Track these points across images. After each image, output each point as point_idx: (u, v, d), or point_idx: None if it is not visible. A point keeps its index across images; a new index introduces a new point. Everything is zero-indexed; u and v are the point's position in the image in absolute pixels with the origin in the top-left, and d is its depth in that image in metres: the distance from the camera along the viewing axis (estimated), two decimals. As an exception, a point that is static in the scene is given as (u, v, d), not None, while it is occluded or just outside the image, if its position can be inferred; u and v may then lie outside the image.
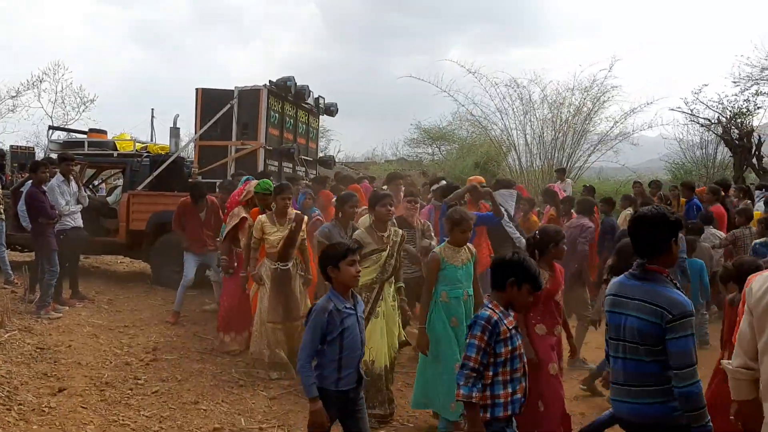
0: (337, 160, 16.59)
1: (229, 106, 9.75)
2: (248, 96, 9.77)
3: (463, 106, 20.45)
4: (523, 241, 6.96)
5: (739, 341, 2.45)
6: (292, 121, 10.71)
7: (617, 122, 19.33)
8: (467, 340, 3.15)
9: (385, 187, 9.21)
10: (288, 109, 10.50)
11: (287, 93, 10.12)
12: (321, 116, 12.16)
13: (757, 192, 11.38)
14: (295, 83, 10.10)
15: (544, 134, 19.79)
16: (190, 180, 9.54)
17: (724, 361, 2.55)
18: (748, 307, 2.39)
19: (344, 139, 51.23)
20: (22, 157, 13.19)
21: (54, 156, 9.57)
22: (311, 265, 6.28)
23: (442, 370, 4.81)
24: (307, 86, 10.53)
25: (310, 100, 10.97)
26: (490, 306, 3.19)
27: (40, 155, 13.16)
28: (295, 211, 6.40)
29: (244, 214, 6.77)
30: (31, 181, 8.22)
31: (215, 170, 9.80)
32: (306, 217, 6.47)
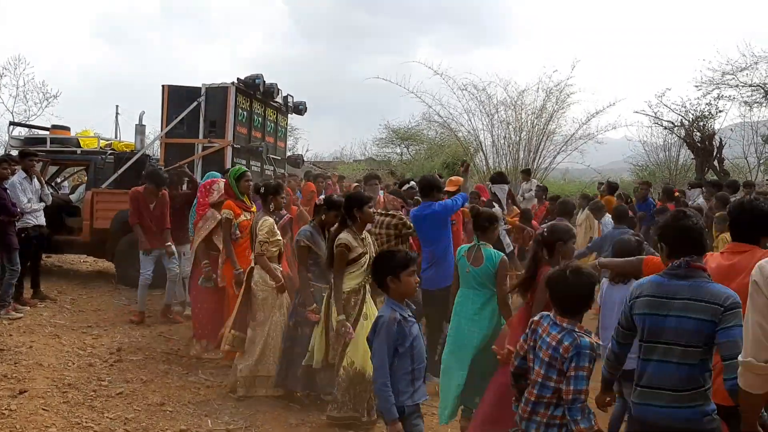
0: (305, 159, 16.51)
1: (196, 103, 9.65)
2: (216, 93, 9.67)
3: (430, 107, 20.53)
4: (512, 247, 7.02)
5: (764, 335, 2.43)
6: (260, 119, 10.63)
7: (582, 124, 19.56)
8: (574, 373, 2.92)
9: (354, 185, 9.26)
10: (256, 107, 10.41)
11: (255, 91, 10.04)
12: (289, 115, 12.08)
13: (694, 191, 11.65)
14: (264, 81, 10.01)
15: (509, 135, 19.95)
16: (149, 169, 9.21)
17: (747, 359, 2.51)
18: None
19: (312, 138, 51.00)
20: (-18, 154, 12.89)
21: (15, 152, 9.36)
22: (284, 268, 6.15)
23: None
24: (276, 84, 10.45)
25: (278, 99, 10.90)
26: (578, 331, 3.03)
27: (0, 152, 12.87)
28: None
29: (219, 216, 6.56)
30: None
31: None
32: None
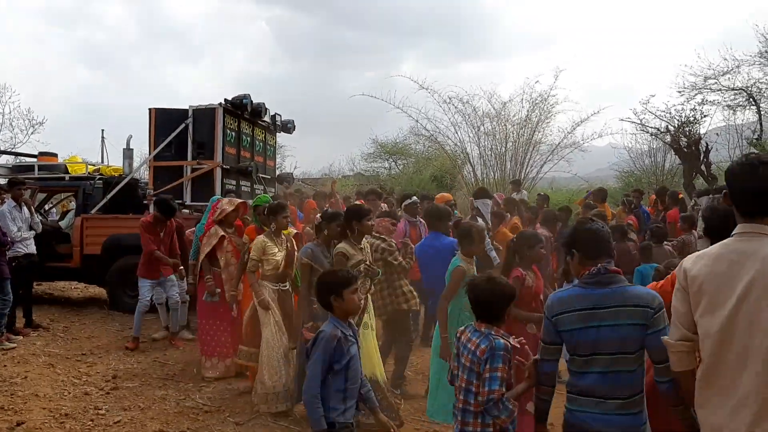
0: (295, 177, 16.50)
1: (183, 125, 9.62)
2: (203, 115, 9.65)
3: (417, 121, 20.59)
4: (498, 260, 7.04)
5: (675, 317, 2.52)
6: (248, 139, 10.61)
7: (568, 133, 19.65)
8: (488, 375, 3.04)
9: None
10: (244, 127, 10.39)
11: (243, 111, 10.02)
12: (278, 133, 12.07)
13: (702, 199, 11.58)
14: (251, 101, 10.00)
15: (495, 147, 20.02)
16: (155, 196, 9.16)
17: (664, 337, 2.59)
18: (682, 286, 2.47)
19: (300, 155, 50.87)
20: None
21: (3, 181, 9.31)
22: None
23: None
24: (264, 104, 10.44)
25: (266, 118, 10.89)
26: (494, 334, 3.15)
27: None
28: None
29: (222, 233, 6.73)
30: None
31: (171, 191, 9.66)
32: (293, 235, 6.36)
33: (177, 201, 9.34)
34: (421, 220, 7.68)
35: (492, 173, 20.23)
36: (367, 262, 5.32)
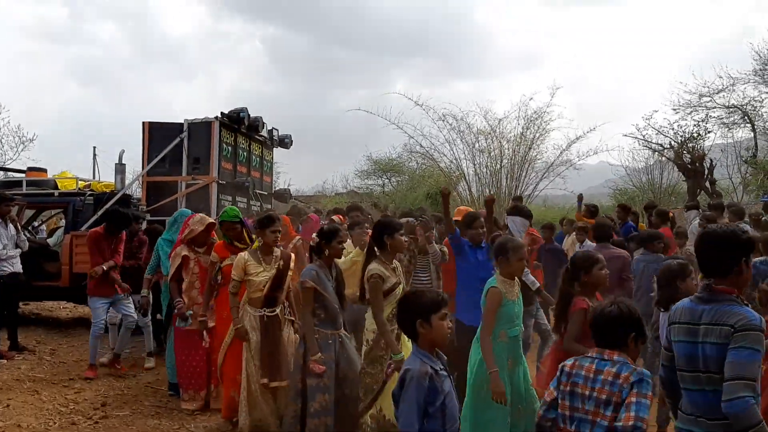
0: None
1: (178, 139, 9.34)
2: (199, 129, 9.38)
3: (412, 138, 20.40)
4: (538, 284, 6.66)
5: None
6: (245, 153, 10.35)
7: (563, 150, 19.51)
8: (635, 399, 2.69)
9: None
10: (241, 141, 10.14)
11: (240, 125, 9.77)
12: (275, 148, 11.81)
13: (691, 212, 11.39)
14: (249, 115, 9.77)
15: (490, 164, 19.86)
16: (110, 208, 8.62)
17: None
18: None
19: (292, 173, 50.61)
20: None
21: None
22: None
23: (494, 416, 4.32)
24: (261, 117, 10.20)
25: (263, 132, 10.64)
26: (634, 365, 2.83)
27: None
28: (280, 248, 5.63)
29: (186, 253, 6.15)
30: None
31: (164, 207, 9.35)
32: (293, 255, 5.77)
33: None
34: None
35: (487, 190, 20.04)
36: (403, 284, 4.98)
